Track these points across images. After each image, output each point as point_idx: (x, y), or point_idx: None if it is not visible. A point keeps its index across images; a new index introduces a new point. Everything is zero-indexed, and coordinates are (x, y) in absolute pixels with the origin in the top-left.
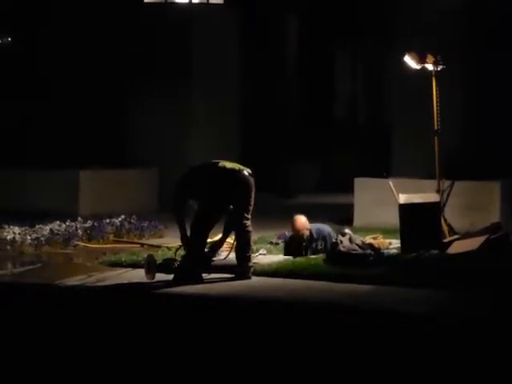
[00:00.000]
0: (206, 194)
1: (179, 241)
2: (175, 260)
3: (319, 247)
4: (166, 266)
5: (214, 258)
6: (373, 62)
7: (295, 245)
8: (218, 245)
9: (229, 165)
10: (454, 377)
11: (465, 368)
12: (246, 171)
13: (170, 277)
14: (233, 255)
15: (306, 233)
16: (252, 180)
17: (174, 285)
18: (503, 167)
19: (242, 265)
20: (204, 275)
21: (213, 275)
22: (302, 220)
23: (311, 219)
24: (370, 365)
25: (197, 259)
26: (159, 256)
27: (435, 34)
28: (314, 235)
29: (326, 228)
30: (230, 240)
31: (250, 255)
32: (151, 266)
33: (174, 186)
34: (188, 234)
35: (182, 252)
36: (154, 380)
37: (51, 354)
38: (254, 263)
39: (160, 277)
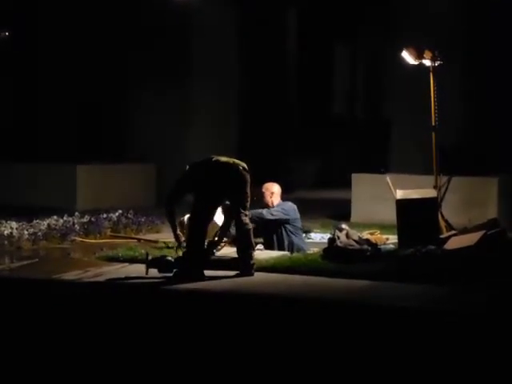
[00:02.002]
0: (200, 188)
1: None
2: (164, 256)
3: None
4: (157, 262)
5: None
6: (372, 59)
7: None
8: (216, 241)
9: (223, 159)
10: (449, 372)
11: (461, 364)
12: (241, 166)
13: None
14: (228, 250)
15: (267, 196)
16: (247, 175)
17: (174, 281)
18: (500, 163)
19: (244, 261)
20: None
21: (215, 272)
22: (272, 184)
23: (309, 214)
24: (366, 360)
25: (197, 255)
26: (156, 251)
27: (435, 30)
28: (274, 206)
29: (287, 205)
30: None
31: (251, 252)
32: (146, 261)
33: (174, 182)
34: (179, 231)
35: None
36: (152, 375)
37: (49, 349)
38: None
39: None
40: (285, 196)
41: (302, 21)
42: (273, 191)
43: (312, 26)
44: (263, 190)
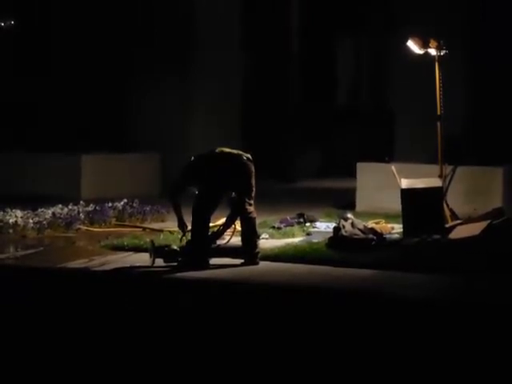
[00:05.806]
0: (205, 179)
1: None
2: (169, 246)
3: None
4: (162, 251)
5: (217, 243)
6: (375, 48)
7: None
8: (220, 231)
9: (226, 150)
10: (450, 363)
11: (462, 354)
12: (245, 156)
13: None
14: (235, 240)
15: None
16: (251, 165)
17: (178, 270)
18: (506, 152)
19: (248, 250)
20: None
21: (219, 260)
22: None
23: (314, 203)
24: (368, 349)
25: (201, 244)
26: (161, 240)
27: (436, 19)
28: None
29: None
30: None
31: (256, 241)
32: (150, 250)
33: (178, 172)
34: (184, 218)
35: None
36: (157, 365)
37: (52, 339)
38: None
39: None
40: (288, 185)
41: (304, 11)
42: None
43: (315, 16)
44: None
